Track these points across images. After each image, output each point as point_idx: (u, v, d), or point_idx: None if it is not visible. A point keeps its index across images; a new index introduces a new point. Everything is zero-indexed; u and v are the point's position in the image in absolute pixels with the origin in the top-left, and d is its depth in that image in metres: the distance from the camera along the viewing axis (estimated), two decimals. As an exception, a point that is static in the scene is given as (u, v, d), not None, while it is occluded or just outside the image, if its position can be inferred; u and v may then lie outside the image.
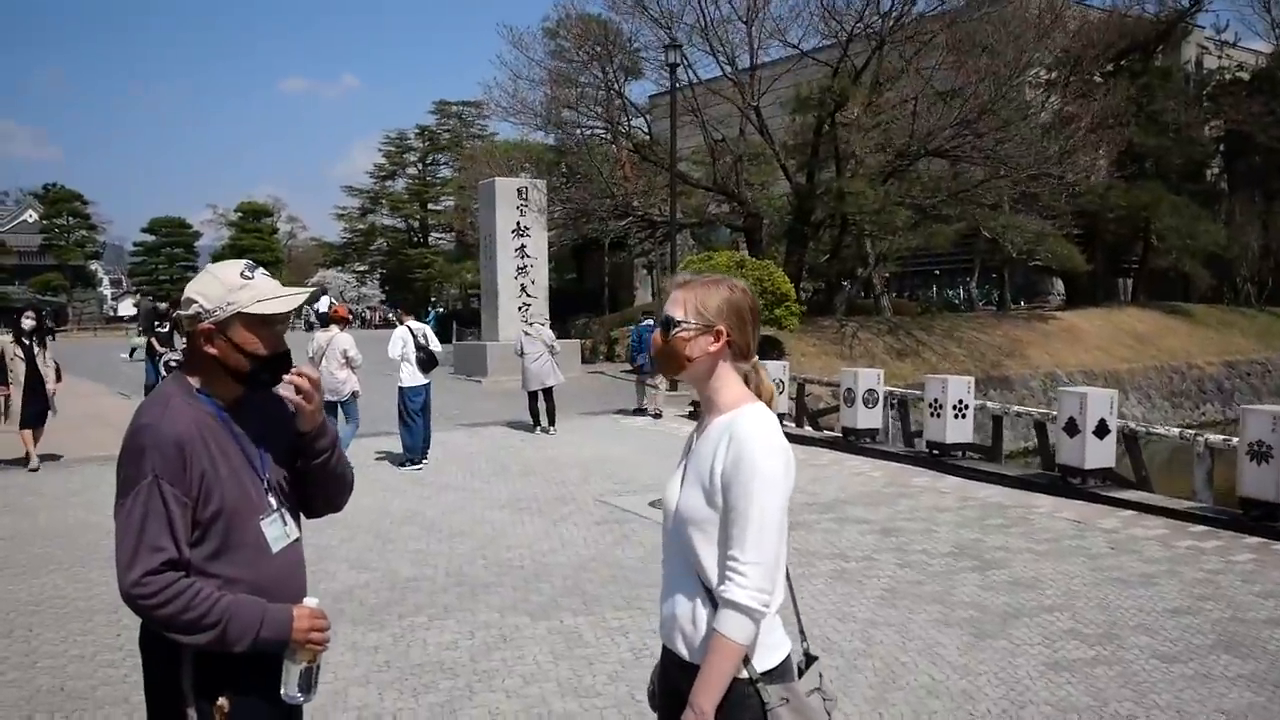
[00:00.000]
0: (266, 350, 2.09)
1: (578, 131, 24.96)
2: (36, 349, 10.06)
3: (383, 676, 4.54)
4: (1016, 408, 12.10)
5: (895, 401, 12.64)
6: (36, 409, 10.02)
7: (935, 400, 10.20)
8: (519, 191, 20.25)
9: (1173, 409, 24.17)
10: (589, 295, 32.88)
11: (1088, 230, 27.22)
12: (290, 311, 2.14)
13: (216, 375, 2.09)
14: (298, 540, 2.21)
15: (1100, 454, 8.54)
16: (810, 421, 14.02)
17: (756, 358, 2.14)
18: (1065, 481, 8.73)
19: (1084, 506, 8.23)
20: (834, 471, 10.04)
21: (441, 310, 41.41)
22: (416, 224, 56.13)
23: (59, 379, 10.42)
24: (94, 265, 59.70)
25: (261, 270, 2.14)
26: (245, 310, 2.05)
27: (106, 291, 65.78)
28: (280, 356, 2.13)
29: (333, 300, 20.53)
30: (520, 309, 19.72)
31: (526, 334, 12.86)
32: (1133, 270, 35.20)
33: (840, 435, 11.78)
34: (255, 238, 56.29)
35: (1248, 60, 36.70)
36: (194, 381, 2.10)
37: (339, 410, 9.76)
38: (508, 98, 23.87)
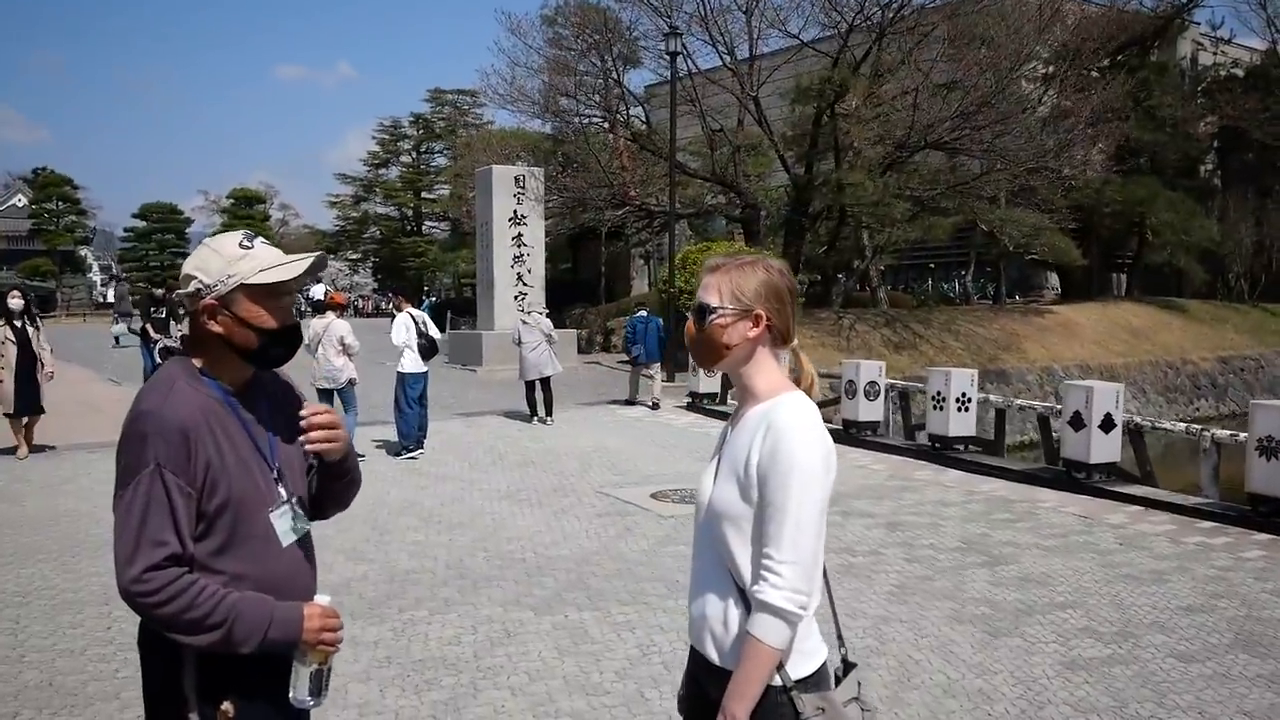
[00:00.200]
0: (276, 323, 1.95)
1: (575, 120, 24.75)
2: (30, 330, 9.67)
3: (384, 673, 4.41)
4: (1020, 401, 12.03)
5: (896, 394, 12.54)
6: (29, 398, 9.60)
7: (938, 393, 10.10)
8: (516, 179, 20.08)
9: (1167, 404, 24.19)
10: (584, 285, 32.70)
11: (1083, 224, 27.17)
12: (297, 279, 2.00)
13: (223, 356, 1.95)
14: (308, 534, 2.08)
15: (1106, 448, 8.46)
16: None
17: (796, 341, 2.02)
18: (1070, 476, 8.64)
19: (1089, 501, 8.15)
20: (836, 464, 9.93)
21: (435, 299, 41.15)
22: (410, 212, 55.80)
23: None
24: (83, 251, 59.18)
25: (261, 239, 1.99)
26: (248, 281, 1.90)
27: (96, 277, 65.21)
28: (291, 329, 1.99)
29: (327, 288, 20.31)
30: (517, 298, 19.59)
31: (524, 323, 12.73)
32: (1127, 265, 35.22)
33: (840, 428, 11.67)
34: (247, 224, 55.79)
35: (1242, 57, 36.73)
36: (198, 364, 1.96)
37: (336, 398, 9.62)
38: (505, 85, 23.66)
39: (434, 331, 10.37)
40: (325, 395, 9.50)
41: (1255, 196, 32.81)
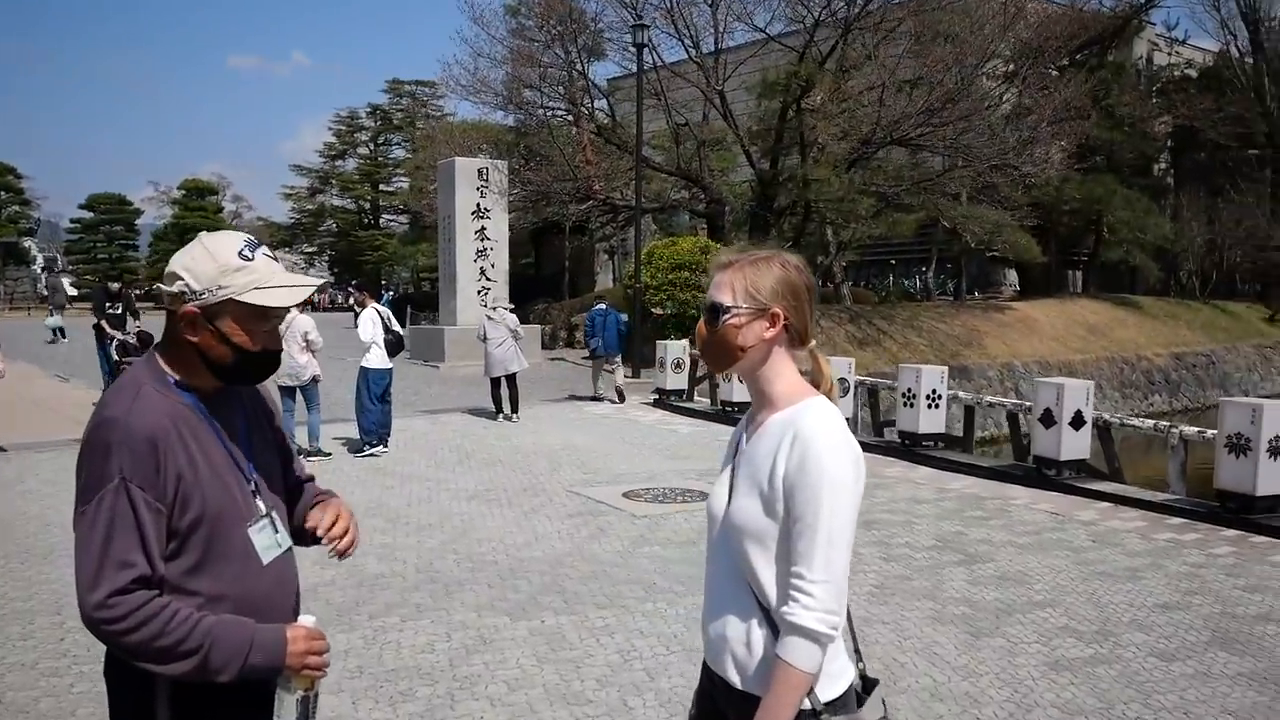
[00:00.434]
0: (257, 346, 1.77)
1: (539, 112, 24.50)
2: None
3: (355, 684, 4.23)
4: (990, 398, 12.10)
5: (865, 391, 12.55)
6: None
7: (909, 390, 10.10)
8: (479, 172, 19.80)
9: (1123, 399, 24.60)
10: (548, 280, 32.43)
11: (1043, 222, 27.54)
12: (292, 306, 1.82)
13: (192, 365, 1.78)
14: (289, 550, 1.92)
15: (1076, 445, 8.50)
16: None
17: (814, 342, 1.90)
18: (1040, 473, 8.68)
19: (1060, 498, 8.19)
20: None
21: (393, 294, 40.59)
22: (368, 205, 55.08)
23: None
24: (27, 242, 57.56)
25: (264, 249, 1.79)
26: (240, 298, 1.73)
27: (40, 270, 63.43)
28: (271, 355, 1.82)
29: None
30: (480, 293, 19.33)
31: (490, 318, 12.52)
32: (1083, 262, 35.80)
33: (809, 424, 11.63)
34: (200, 216, 54.49)
35: (1196, 58, 37.54)
36: (167, 368, 1.79)
37: (298, 395, 9.36)
38: (468, 76, 23.34)
39: (396, 326, 10.17)
40: (288, 392, 9.24)
41: (1207, 195, 33.54)
